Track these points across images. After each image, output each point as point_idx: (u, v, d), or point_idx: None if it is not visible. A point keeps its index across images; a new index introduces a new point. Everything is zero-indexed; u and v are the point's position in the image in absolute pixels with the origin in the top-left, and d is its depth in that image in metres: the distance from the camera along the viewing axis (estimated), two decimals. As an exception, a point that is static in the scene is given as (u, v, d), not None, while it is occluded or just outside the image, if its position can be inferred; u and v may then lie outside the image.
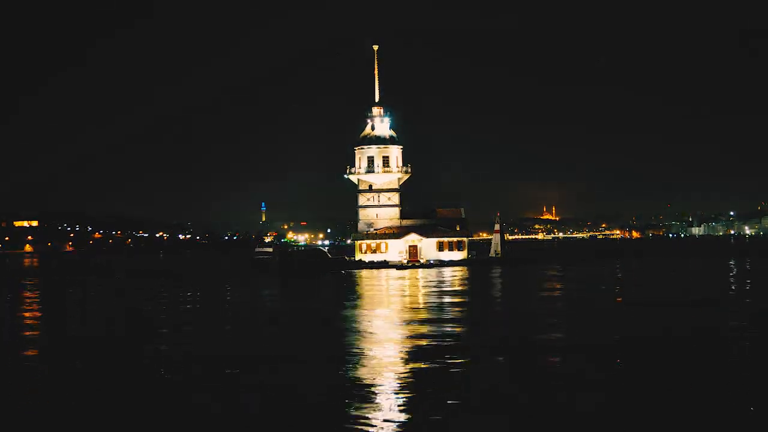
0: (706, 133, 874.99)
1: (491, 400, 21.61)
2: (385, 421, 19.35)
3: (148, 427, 19.67)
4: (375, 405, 20.88)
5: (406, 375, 24.83)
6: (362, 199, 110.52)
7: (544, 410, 20.26)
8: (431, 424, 19.28)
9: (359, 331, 35.95)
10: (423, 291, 59.88)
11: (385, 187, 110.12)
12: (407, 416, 19.74)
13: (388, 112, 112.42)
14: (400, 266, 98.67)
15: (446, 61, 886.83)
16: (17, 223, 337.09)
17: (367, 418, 19.57)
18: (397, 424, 19.10)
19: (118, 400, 22.51)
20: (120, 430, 19.59)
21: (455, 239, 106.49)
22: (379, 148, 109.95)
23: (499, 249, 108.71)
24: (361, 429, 18.77)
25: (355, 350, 30.14)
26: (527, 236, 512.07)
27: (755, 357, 27.43)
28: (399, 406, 20.77)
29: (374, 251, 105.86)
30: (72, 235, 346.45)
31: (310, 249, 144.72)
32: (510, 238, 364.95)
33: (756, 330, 34.42)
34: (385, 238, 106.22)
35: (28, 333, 39.40)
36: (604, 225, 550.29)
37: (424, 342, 31.82)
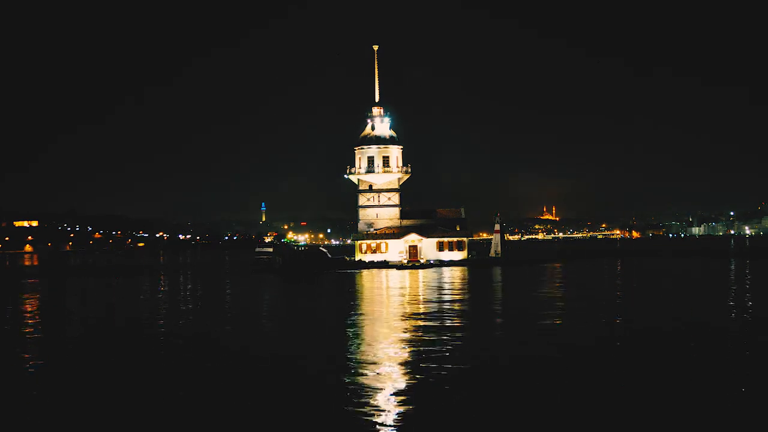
0: (707, 133, 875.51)
1: (489, 399, 21.65)
2: (383, 420, 19.40)
3: (147, 422, 19.73)
4: (373, 404, 20.91)
5: (404, 374, 24.86)
6: (362, 199, 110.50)
7: (539, 409, 20.31)
8: (430, 423, 19.33)
9: (358, 331, 35.96)
10: (423, 291, 59.86)
11: (385, 187, 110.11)
12: (405, 416, 19.77)
13: (388, 112, 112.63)
14: (400, 266, 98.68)
15: (446, 60, 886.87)
16: (17, 223, 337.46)
17: (366, 417, 19.63)
18: (396, 423, 19.14)
19: (117, 397, 22.59)
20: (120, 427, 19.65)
21: (455, 239, 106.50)
22: (379, 148, 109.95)
23: (499, 249, 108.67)
24: (360, 427, 18.83)
25: (354, 350, 30.18)
26: (527, 236, 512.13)
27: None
28: (398, 405, 20.81)
29: (374, 251, 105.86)
30: (72, 235, 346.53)
31: (311, 249, 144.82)
32: (510, 238, 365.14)
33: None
34: (385, 238, 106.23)
35: (29, 327, 39.47)
36: (604, 225, 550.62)
37: (422, 342, 31.83)
